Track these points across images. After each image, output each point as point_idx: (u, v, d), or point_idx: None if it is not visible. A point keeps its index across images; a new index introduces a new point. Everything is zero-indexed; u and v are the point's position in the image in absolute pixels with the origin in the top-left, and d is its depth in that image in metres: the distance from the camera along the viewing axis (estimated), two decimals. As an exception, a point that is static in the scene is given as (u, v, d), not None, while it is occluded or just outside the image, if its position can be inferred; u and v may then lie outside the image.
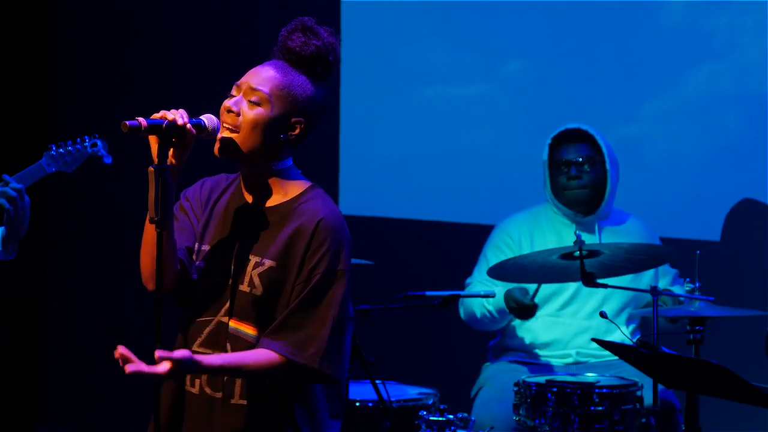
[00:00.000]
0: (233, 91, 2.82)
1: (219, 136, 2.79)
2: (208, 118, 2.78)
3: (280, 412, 2.80)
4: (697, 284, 4.00)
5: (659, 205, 5.49)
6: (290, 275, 2.78)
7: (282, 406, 2.80)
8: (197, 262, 2.84)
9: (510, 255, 4.49)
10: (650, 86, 5.61)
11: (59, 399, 5.94)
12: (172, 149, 2.71)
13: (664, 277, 4.58)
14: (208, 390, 2.82)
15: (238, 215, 2.85)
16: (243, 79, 2.82)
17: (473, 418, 4.05)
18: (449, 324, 4.94)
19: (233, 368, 2.72)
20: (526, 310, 4.36)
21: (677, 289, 4.41)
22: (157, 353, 2.65)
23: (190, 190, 2.93)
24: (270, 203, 2.84)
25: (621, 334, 4.19)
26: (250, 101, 2.79)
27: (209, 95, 3.07)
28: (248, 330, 2.79)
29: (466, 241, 5.16)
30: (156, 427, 2.74)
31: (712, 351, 3.87)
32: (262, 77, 2.80)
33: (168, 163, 2.69)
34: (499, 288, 4.44)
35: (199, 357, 2.69)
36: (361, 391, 4.18)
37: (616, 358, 4.30)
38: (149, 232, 2.76)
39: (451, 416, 3.99)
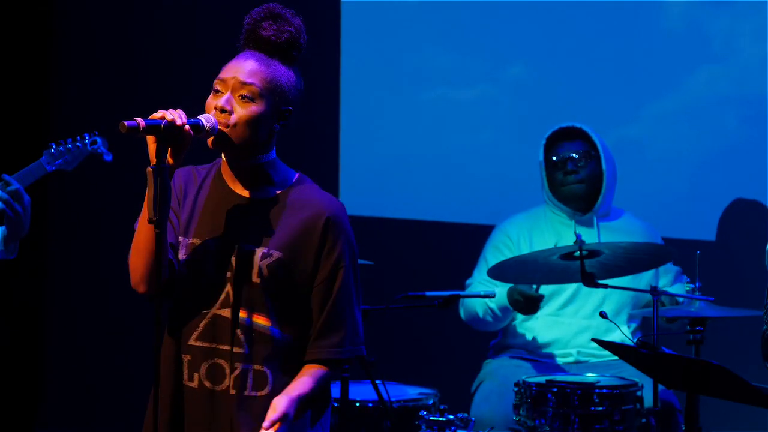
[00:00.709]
0: (218, 87, 2.81)
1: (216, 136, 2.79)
2: (206, 118, 2.77)
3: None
4: (697, 284, 4.00)
5: (659, 205, 5.49)
6: (301, 268, 2.80)
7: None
8: (185, 256, 2.82)
9: (509, 256, 4.49)
10: (650, 88, 5.61)
11: (59, 399, 5.94)
12: (169, 149, 2.70)
13: (665, 275, 4.58)
14: (207, 384, 2.80)
15: (228, 206, 2.84)
16: (227, 75, 2.81)
17: (473, 417, 4.05)
18: (449, 324, 4.94)
19: (318, 388, 2.82)
20: (532, 301, 4.36)
21: (678, 288, 4.41)
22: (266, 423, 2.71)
23: None
24: (263, 194, 2.84)
25: (621, 333, 4.19)
26: (241, 96, 2.78)
27: (209, 95, 3.06)
28: (262, 321, 2.79)
29: (466, 241, 5.16)
30: (154, 424, 2.73)
31: (712, 351, 3.87)
32: (249, 71, 2.80)
33: (166, 163, 2.68)
34: (500, 288, 4.44)
35: (291, 393, 2.76)
36: (361, 391, 4.18)
37: (617, 358, 4.31)
38: (142, 233, 2.74)
39: (451, 416, 3.99)
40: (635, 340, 4.19)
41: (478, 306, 4.50)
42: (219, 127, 2.77)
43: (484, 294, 4.28)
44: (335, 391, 3.93)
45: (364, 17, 5.77)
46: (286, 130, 2.87)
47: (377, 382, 3.85)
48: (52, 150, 3.86)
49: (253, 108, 2.78)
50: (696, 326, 3.95)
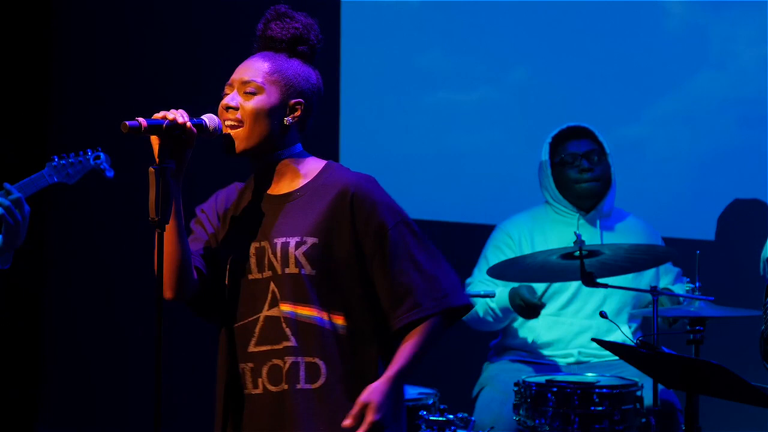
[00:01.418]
0: (226, 90, 2.84)
1: (225, 133, 2.79)
2: (209, 118, 2.78)
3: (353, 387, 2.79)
4: (697, 284, 4.00)
5: (659, 205, 5.49)
6: (338, 249, 2.77)
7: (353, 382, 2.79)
8: (228, 267, 2.83)
9: (510, 255, 4.49)
10: (651, 89, 5.61)
11: (59, 399, 5.94)
12: (173, 149, 2.70)
13: (665, 276, 4.58)
14: (270, 387, 2.79)
15: (258, 208, 2.85)
16: (233, 77, 2.85)
17: (474, 418, 4.05)
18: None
19: (418, 354, 2.75)
20: (533, 308, 4.36)
21: (678, 289, 4.41)
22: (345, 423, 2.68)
23: (206, 204, 2.94)
24: (291, 187, 2.85)
25: (621, 334, 4.19)
26: (245, 93, 2.80)
27: (209, 96, 3.08)
28: (306, 311, 2.77)
29: (466, 241, 5.16)
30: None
31: (712, 351, 3.87)
32: (251, 68, 2.83)
33: (169, 163, 2.68)
34: (500, 288, 4.44)
35: (389, 372, 2.72)
36: (361, 391, 4.17)
37: (618, 358, 4.31)
38: (166, 238, 2.74)
39: (451, 416, 3.99)
40: (635, 340, 4.19)
41: (479, 306, 4.50)
42: (227, 127, 2.78)
43: (484, 294, 4.28)
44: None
45: (364, 17, 5.77)
46: (307, 124, 2.87)
47: (377, 381, 3.84)
48: (55, 163, 3.88)
49: (257, 100, 2.80)
50: (696, 326, 3.95)
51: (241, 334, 2.81)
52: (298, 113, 2.84)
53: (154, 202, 2.64)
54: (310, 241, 2.78)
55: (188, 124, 2.70)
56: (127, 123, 2.64)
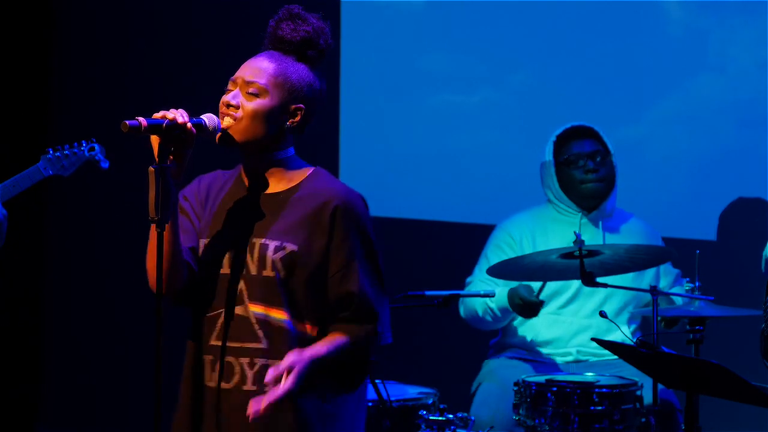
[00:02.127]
0: (229, 86, 2.84)
1: (221, 127, 2.79)
2: (208, 118, 2.78)
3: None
4: (697, 284, 4.00)
5: (660, 204, 5.50)
6: (314, 258, 2.79)
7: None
8: (202, 257, 2.84)
9: (511, 255, 4.49)
10: (651, 90, 5.62)
11: (59, 399, 5.94)
12: (173, 149, 2.70)
13: (665, 277, 4.58)
14: (223, 383, 2.80)
15: (242, 204, 2.85)
16: (237, 74, 2.84)
17: (473, 417, 4.04)
18: (449, 324, 4.94)
19: (335, 356, 2.78)
20: (532, 307, 4.35)
21: (677, 291, 4.41)
22: (269, 374, 2.69)
23: (188, 190, 2.93)
24: (276, 189, 2.85)
25: (621, 333, 4.19)
26: (248, 93, 2.80)
27: (209, 95, 3.08)
28: (278, 315, 2.78)
29: (466, 241, 5.16)
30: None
31: (711, 351, 3.87)
32: (257, 68, 2.82)
33: (169, 163, 2.68)
34: (500, 287, 4.44)
35: (306, 351, 2.73)
36: (361, 391, 4.17)
37: (617, 357, 4.31)
38: (153, 236, 2.74)
39: (450, 416, 3.99)
40: (635, 340, 4.19)
41: (478, 305, 4.50)
42: (223, 124, 2.78)
43: (484, 293, 4.28)
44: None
45: (364, 17, 5.77)
46: (304, 129, 2.87)
47: (377, 381, 3.85)
48: (50, 155, 3.87)
49: (258, 102, 2.79)
50: (696, 326, 3.95)
51: (206, 326, 2.82)
52: (297, 118, 2.84)
53: (154, 202, 2.64)
54: (290, 247, 2.79)
55: (188, 124, 2.70)
56: (127, 122, 2.64)
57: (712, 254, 4.97)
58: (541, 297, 4.39)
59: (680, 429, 4.23)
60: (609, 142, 4.62)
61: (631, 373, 4.17)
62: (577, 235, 4.00)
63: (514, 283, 4.42)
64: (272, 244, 2.79)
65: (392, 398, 3.95)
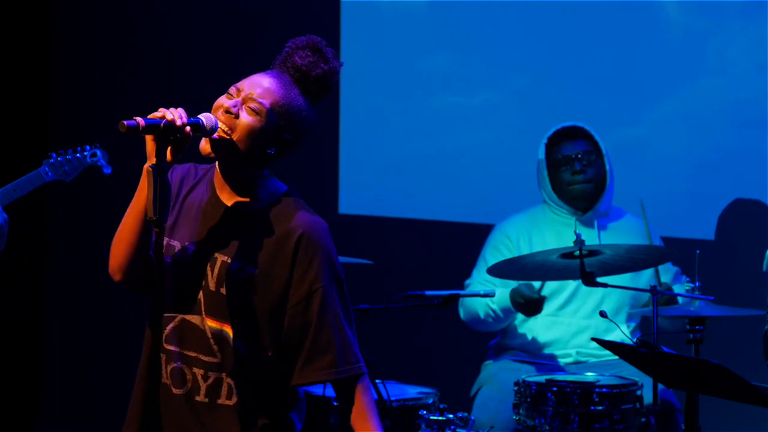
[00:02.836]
0: (232, 92, 2.83)
1: (219, 137, 2.79)
2: (206, 117, 2.78)
3: (268, 412, 2.82)
4: (696, 284, 4.00)
5: (659, 204, 5.49)
6: (274, 285, 2.78)
7: (270, 406, 2.82)
8: (166, 257, 2.83)
9: (509, 256, 4.49)
10: (652, 91, 5.63)
11: (59, 399, 5.94)
12: (168, 148, 2.70)
13: (664, 275, 4.58)
14: (172, 386, 2.82)
15: (212, 215, 2.85)
16: (244, 84, 2.83)
17: (473, 418, 4.04)
18: (449, 324, 4.94)
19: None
20: (534, 304, 4.35)
21: (677, 288, 4.41)
22: None
23: None
24: (246, 206, 2.84)
25: (621, 333, 4.19)
26: (249, 107, 2.79)
27: (209, 95, 3.07)
28: (230, 332, 2.78)
29: (466, 241, 5.16)
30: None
31: (711, 350, 3.87)
32: (265, 88, 2.81)
33: (165, 162, 2.69)
34: (501, 289, 4.43)
35: None
36: (360, 391, 4.17)
37: (617, 357, 4.31)
38: (128, 224, 2.77)
39: (450, 416, 3.99)
40: (635, 340, 4.19)
41: (479, 307, 4.50)
42: (219, 127, 2.78)
43: (484, 293, 4.28)
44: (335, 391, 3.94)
45: (364, 17, 5.77)
46: (281, 161, 2.87)
47: (377, 381, 3.85)
48: (52, 160, 3.87)
49: (256, 121, 2.78)
50: (696, 325, 3.95)
51: (160, 324, 2.81)
52: (282, 148, 2.84)
53: (153, 201, 2.64)
54: (250, 270, 2.79)
55: (186, 127, 2.69)
56: (125, 122, 2.64)
57: (712, 254, 4.97)
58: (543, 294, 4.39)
59: (680, 429, 4.22)
60: (601, 142, 4.62)
61: (631, 373, 4.17)
62: (578, 235, 4.00)
63: (513, 284, 4.42)
64: (234, 265, 2.79)
65: (392, 398, 3.95)
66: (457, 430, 3.96)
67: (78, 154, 3.91)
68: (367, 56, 5.73)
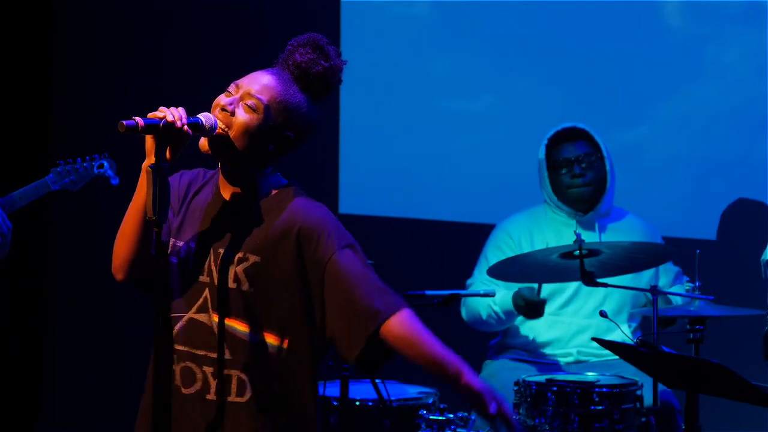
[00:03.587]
0: (231, 89, 2.81)
1: (218, 134, 2.79)
2: (205, 117, 2.77)
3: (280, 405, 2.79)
4: (697, 283, 4.00)
5: (660, 204, 5.50)
6: (279, 271, 2.76)
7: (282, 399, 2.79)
8: (171, 258, 2.82)
9: (510, 255, 4.49)
10: (653, 92, 5.63)
11: (59, 399, 5.94)
12: (168, 147, 2.70)
13: (665, 275, 4.58)
14: (181, 387, 2.79)
15: (213, 212, 2.84)
16: (243, 81, 2.82)
17: (473, 417, 4.04)
18: (449, 323, 4.92)
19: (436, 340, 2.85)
20: (535, 306, 4.35)
21: (678, 289, 4.41)
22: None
23: (170, 181, 2.92)
24: (246, 203, 2.83)
25: (621, 333, 4.19)
26: (246, 104, 2.78)
27: (208, 95, 3.07)
28: (239, 326, 2.76)
29: (466, 241, 5.16)
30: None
31: (711, 350, 3.87)
32: (263, 85, 2.80)
33: (165, 162, 2.68)
34: (501, 288, 4.43)
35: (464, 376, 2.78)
36: (361, 390, 4.18)
37: (617, 357, 4.31)
38: (129, 222, 2.75)
39: (450, 415, 3.98)
40: (635, 340, 4.19)
41: (482, 308, 4.50)
42: (218, 125, 2.78)
43: (484, 293, 4.28)
44: (335, 391, 3.95)
45: (364, 17, 5.77)
46: (284, 157, 2.86)
47: (377, 381, 3.85)
48: (59, 168, 3.86)
49: (252, 118, 2.78)
50: (696, 325, 3.95)
51: (168, 325, 2.81)
52: (283, 145, 2.82)
53: (152, 201, 2.64)
54: (252, 259, 2.77)
55: (185, 126, 2.69)
56: (124, 123, 2.63)
57: (712, 254, 4.97)
58: (542, 296, 4.38)
59: (680, 429, 4.22)
60: (602, 143, 4.61)
61: (631, 373, 4.17)
62: (578, 235, 4.00)
63: (514, 285, 4.42)
64: (236, 256, 2.77)
65: (392, 398, 3.95)
66: (457, 430, 3.96)
67: (86, 164, 3.90)
68: (367, 56, 5.73)
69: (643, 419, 4.05)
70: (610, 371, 4.34)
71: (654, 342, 3.78)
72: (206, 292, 2.78)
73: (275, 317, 2.77)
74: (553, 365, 4.53)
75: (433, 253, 5.72)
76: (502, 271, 4.23)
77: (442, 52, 5.75)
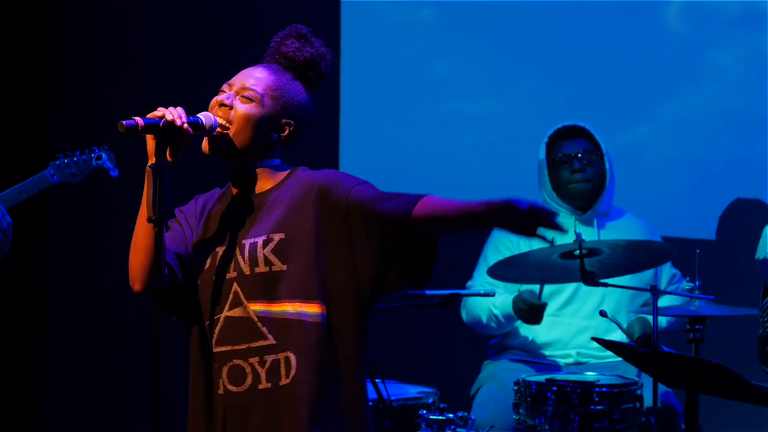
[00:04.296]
0: (224, 88, 2.86)
1: (218, 133, 2.80)
2: (205, 116, 2.78)
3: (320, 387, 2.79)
4: (697, 283, 4.00)
5: (660, 204, 5.50)
6: (307, 242, 2.77)
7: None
8: (199, 266, 2.83)
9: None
10: (654, 92, 5.63)
11: (59, 399, 5.94)
12: (168, 147, 2.71)
13: (664, 275, 4.58)
14: (231, 387, 2.80)
15: (231, 211, 2.87)
16: (235, 79, 2.86)
17: (473, 417, 4.04)
18: (449, 323, 4.94)
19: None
20: (536, 310, 4.34)
21: (677, 285, 4.41)
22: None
23: (186, 206, 2.95)
24: (260, 190, 2.86)
25: (621, 333, 4.18)
26: (243, 96, 2.83)
27: (208, 94, 3.08)
28: (279, 308, 2.77)
29: (466, 241, 5.14)
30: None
31: (711, 350, 3.87)
32: (256, 77, 2.85)
33: (165, 162, 2.69)
34: (504, 295, 4.43)
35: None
36: (361, 391, 4.17)
37: (617, 358, 4.31)
38: (140, 231, 2.76)
39: (451, 415, 3.98)
40: (635, 340, 4.19)
41: (482, 311, 4.50)
42: (218, 124, 2.79)
43: (484, 293, 4.27)
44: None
45: (364, 17, 5.77)
46: (290, 145, 2.89)
47: (377, 380, 3.85)
48: (59, 162, 3.86)
49: (251, 107, 2.82)
50: (696, 325, 3.95)
51: (205, 332, 2.82)
52: (285, 132, 2.87)
53: (152, 201, 2.64)
54: (277, 237, 2.79)
55: (185, 125, 2.70)
56: (124, 123, 2.64)
57: (712, 253, 4.97)
58: (543, 297, 4.38)
59: (680, 429, 4.22)
60: (602, 142, 4.62)
61: (632, 374, 4.17)
62: (578, 234, 4.00)
63: (514, 286, 4.42)
64: (260, 240, 2.79)
65: (392, 398, 3.94)
66: (457, 429, 3.96)
67: (85, 156, 3.90)
68: (367, 56, 5.73)
69: (643, 419, 4.05)
70: (610, 373, 4.33)
71: (654, 342, 3.78)
72: (235, 286, 2.79)
73: (315, 287, 2.78)
74: (552, 366, 4.53)
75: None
76: (502, 270, 4.23)
77: (442, 52, 5.75)
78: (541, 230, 2.75)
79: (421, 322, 5.32)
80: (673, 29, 5.63)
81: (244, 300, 2.79)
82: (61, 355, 5.94)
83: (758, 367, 3.84)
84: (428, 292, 4.08)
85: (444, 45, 5.75)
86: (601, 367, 4.44)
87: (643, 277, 4.50)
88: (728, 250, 5.47)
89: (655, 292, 4.04)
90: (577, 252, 3.96)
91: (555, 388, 4.04)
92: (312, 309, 2.78)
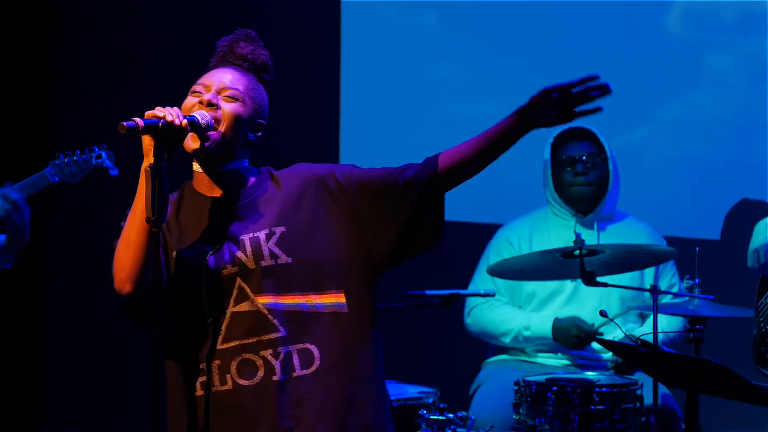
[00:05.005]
0: (198, 89, 2.86)
1: (213, 124, 2.80)
2: (201, 115, 2.79)
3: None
4: (696, 280, 3.99)
5: (664, 204, 5.50)
6: (308, 231, 2.80)
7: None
8: (183, 269, 2.81)
9: (510, 261, 4.49)
10: (656, 93, 5.64)
11: (59, 399, 5.94)
12: (165, 147, 2.71)
13: (662, 278, 4.58)
14: (241, 381, 2.78)
15: (215, 211, 2.86)
16: (210, 80, 2.88)
17: (473, 417, 4.04)
18: (449, 323, 4.94)
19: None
20: (590, 338, 4.35)
21: (676, 290, 4.41)
22: None
23: None
24: (238, 191, 2.87)
25: (621, 333, 4.18)
26: (227, 96, 2.84)
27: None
28: (292, 300, 2.78)
29: (466, 241, 5.15)
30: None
31: (711, 350, 3.87)
32: (232, 78, 2.88)
33: (163, 162, 2.69)
34: (501, 291, 4.43)
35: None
36: (361, 391, 4.17)
37: (616, 359, 4.31)
38: (133, 229, 2.74)
39: (451, 415, 3.98)
40: (635, 339, 4.19)
41: (501, 327, 4.49)
42: (213, 122, 2.80)
43: (484, 293, 4.27)
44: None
45: (364, 17, 5.77)
46: (257, 145, 2.92)
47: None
48: (58, 161, 3.86)
49: (238, 106, 2.84)
50: (696, 325, 3.95)
51: (205, 332, 2.79)
52: (259, 133, 2.91)
53: (150, 201, 2.64)
54: (278, 230, 2.80)
55: (184, 123, 2.71)
56: (124, 124, 2.65)
57: (715, 253, 4.97)
58: (537, 301, 4.39)
59: (680, 429, 4.22)
60: (606, 144, 4.61)
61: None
62: (578, 235, 4.00)
63: (515, 287, 4.42)
64: (262, 234, 2.80)
65: (392, 398, 3.94)
66: (457, 429, 3.96)
67: (84, 155, 3.90)
68: (367, 57, 5.73)
69: (643, 419, 4.05)
70: (609, 373, 4.34)
71: (654, 342, 3.78)
72: (238, 282, 2.79)
73: (328, 276, 2.79)
74: (552, 366, 4.53)
75: (434, 253, 5.70)
76: (503, 270, 4.23)
77: (442, 52, 5.75)
78: (580, 108, 2.80)
79: (421, 322, 5.32)
80: (673, 32, 5.64)
81: (251, 294, 2.78)
82: (61, 355, 5.94)
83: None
84: (428, 292, 4.09)
85: (445, 46, 5.75)
86: (600, 369, 4.44)
87: (643, 278, 4.50)
88: (729, 251, 5.47)
89: (655, 292, 4.04)
90: (577, 252, 3.97)
91: (555, 388, 4.04)
92: (328, 299, 2.79)
